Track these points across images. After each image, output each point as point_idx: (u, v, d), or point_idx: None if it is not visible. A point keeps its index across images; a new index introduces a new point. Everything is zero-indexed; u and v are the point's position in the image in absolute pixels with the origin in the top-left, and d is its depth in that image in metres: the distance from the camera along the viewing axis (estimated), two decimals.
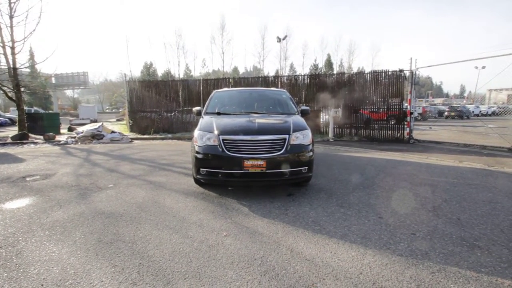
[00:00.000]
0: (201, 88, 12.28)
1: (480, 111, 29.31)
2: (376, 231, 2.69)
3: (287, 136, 3.61)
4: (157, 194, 3.92)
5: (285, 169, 3.53)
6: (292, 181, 3.73)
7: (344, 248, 2.37)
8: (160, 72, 54.56)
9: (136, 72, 54.65)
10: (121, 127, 15.71)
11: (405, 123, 10.06)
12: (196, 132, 3.90)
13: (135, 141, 10.64)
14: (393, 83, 10.22)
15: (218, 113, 4.57)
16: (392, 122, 10.38)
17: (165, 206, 3.45)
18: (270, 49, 55.79)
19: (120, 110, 46.84)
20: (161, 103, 12.65)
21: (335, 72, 42.58)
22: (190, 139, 10.95)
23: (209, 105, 4.86)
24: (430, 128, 15.41)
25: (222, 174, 3.56)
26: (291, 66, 47.75)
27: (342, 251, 2.31)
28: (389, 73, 10.21)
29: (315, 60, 48.74)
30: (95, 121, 26.48)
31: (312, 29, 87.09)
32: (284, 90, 5.53)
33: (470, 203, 3.44)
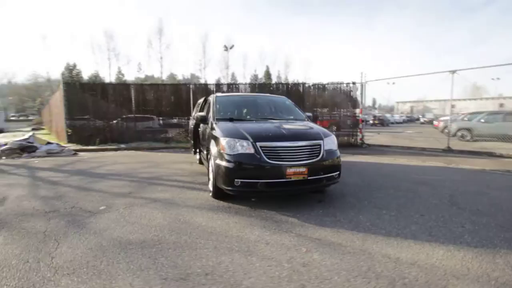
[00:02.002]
0: (162, 93, 11.25)
1: (395, 120, 34.91)
2: (433, 227, 2.85)
3: (321, 142, 3.58)
4: (177, 213, 3.35)
5: (323, 175, 3.48)
6: (325, 187, 3.69)
7: (428, 247, 2.43)
8: (86, 75, 47.88)
9: (55, 74, 46.52)
10: (50, 138, 13.06)
11: (358, 129, 11.22)
12: (224, 140, 3.50)
13: (81, 153, 8.98)
14: (347, 94, 11.32)
15: (231, 119, 4.22)
16: (347, 129, 11.45)
17: (201, 225, 2.96)
18: (210, 57, 55.06)
19: (31, 118, 39.23)
20: (109, 110, 11.05)
21: (273, 82, 44.71)
22: (152, 149, 9.90)
23: (216, 111, 4.46)
24: (379, 133, 17.34)
25: (261, 184, 3.28)
26: (233, 75, 48.35)
27: (429, 250, 2.36)
28: (344, 84, 11.28)
29: (255, 71, 50.69)
30: (1, 131, 21.44)
31: (252, 41, 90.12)
32: (285, 97, 5.51)
33: (472, 195, 3.99)
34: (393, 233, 2.73)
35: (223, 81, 42.14)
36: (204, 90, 11.48)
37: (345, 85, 11.22)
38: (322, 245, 2.49)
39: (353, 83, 11.13)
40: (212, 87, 11.76)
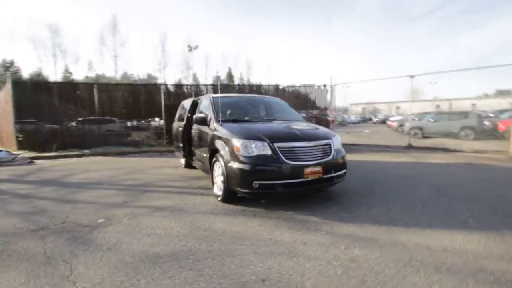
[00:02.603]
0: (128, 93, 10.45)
1: (352, 120, 37.48)
2: (439, 216, 3.13)
3: (331, 141, 3.70)
4: (193, 221, 3.16)
5: (334, 173, 3.60)
6: (335, 184, 3.81)
7: (446, 234, 2.66)
8: (26, 73, 42.10)
9: None
10: None
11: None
12: (238, 141, 3.41)
13: (38, 161, 7.90)
14: (319, 96, 11.87)
15: (235, 120, 4.13)
16: None
17: (227, 231, 2.84)
18: (170, 57, 52.68)
19: None
20: (66, 112, 9.94)
21: (236, 83, 44.77)
22: (122, 154, 9.11)
23: (217, 112, 4.30)
24: (348, 133, 18.25)
25: (280, 186, 3.27)
26: (194, 76, 46.95)
27: (449, 236, 2.59)
28: (315, 87, 11.79)
29: (217, 72, 50.01)
30: None
31: (214, 42, 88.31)
32: (277, 98, 5.55)
33: (453, 186, 4.48)
34: (411, 224, 2.94)
35: (184, 82, 40.82)
36: (178, 91, 11.01)
37: (316, 87, 11.74)
38: (356, 241, 2.57)
39: (324, 85, 11.70)
40: (188, 89, 11.32)
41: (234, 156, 3.39)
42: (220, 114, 4.21)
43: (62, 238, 2.79)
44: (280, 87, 11.69)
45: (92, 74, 44.90)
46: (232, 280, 1.99)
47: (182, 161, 6.53)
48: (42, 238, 2.79)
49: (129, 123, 11.20)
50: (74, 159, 8.37)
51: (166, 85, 11.08)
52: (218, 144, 3.77)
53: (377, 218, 3.12)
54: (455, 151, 8.97)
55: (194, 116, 4.34)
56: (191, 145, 5.39)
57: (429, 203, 3.61)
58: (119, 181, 5.27)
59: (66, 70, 44.12)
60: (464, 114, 14.48)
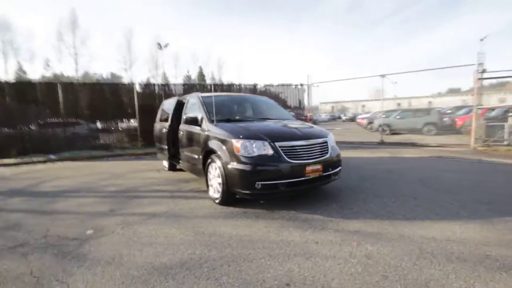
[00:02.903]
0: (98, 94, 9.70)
1: (322, 118, 38.68)
2: (433, 208, 3.30)
3: (327, 139, 3.74)
4: (194, 226, 3.00)
5: (331, 170, 3.64)
6: (331, 182, 3.86)
7: (445, 224, 2.81)
8: None
9: None
10: None
11: None
12: (237, 141, 3.30)
13: None
14: (295, 95, 12.06)
15: (229, 120, 4.01)
16: None
17: (234, 235, 2.73)
18: (138, 55, 49.66)
19: None
20: (25, 114, 8.98)
21: (208, 83, 43.99)
22: (94, 159, 8.44)
23: (211, 112, 4.14)
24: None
25: (283, 185, 3.22)
26: (164, 75, 44.98)
27: (448, 227, 2.74)
28: (293, 86, 11.96)
29: (188, 72, 48.52)
30: None
31: (184, 41, 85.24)
32: (265, 97, 5.50)
33: (434, 178, 4.77)
34: (410, 217, 3.07)
35: (153, 81, 39.18)
36: (153, 91, 10.50)
37: (293, 86, 11.91)
38: (365, 236, 2.62)
39: (301, 84, 11.91)
40: (158, 88, 10.81)
41: (233, 156, 3.28)
42: (213, 114, 4.06)
43: (48, 254, 2.49)
44: (258, 86, 11.67)
45: (49, 74, 41.23)
46: (255, 286, 1.91)
47: (166, 163, 6.23)
48: (24, 256, 2.46)
49: (98, 125, 10.44)
50: (40, 166, 7.59)
51: (140, 84, 10.48)
52: (214, 144, 3.62)
53: (377, 213, 3.22)
54: (422, 145, 9.63)
55: (184, 116, 4.14)
56: (177, 146, 5.15)
57: (420, 196, 3.81)
58: (100, 188, 4.87)
59: (20, 69, 40.08)
60: (427, 111, 15.66)
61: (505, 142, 8.68)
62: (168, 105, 5.89)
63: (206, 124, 3.96)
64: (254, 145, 3.25)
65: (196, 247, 2.51)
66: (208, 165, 3.81)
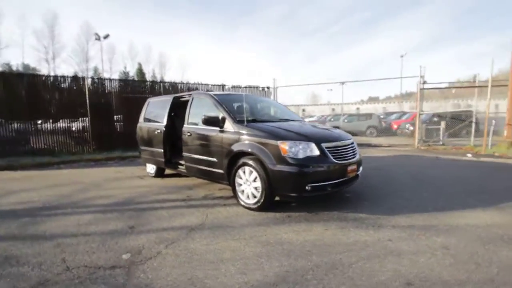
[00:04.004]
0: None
1: None
2: (448, 199, 3.72)
3: (353, 140, 3.88)
4: (252, 236, 2.73)
5: (360, 170, 3.79)
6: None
7: (467, 213, 3.20)
8: None
9: None
10: None
11: None
12: (283, 143, 3.15)
13: None
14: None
15: (254, 120, 3.79)
16: None
17: (305, 241, 2.58)
18: (64, 45, 42.09)
19: None
20: None
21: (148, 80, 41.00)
22: (39, 167, 6.84)
23: (233, 112, 3.84)
24: None
25: (330, 186, 3.21)
26: (96, 70, 39.52)
27: (470, 215, 3.14)
28: (260, 88, 12.07)
29: (125, 68, 43.64)
30: None
31: (120, 33, 75.90)
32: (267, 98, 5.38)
33: (422, 174, 5.41)
34: (439, 208, 3.37)
35: (81, 75, 34.30)
36: (100, 85, 9.20)
37: (261, 89, 12.02)
38: (422, 229, 2.78)
39: (268, 87, 12.10)
40: (111, 84, 9.54)
41: (280, 159, 3.12)
42: (239, 114, 3.81)
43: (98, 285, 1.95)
44: (226, 87, 11.39)
45: None
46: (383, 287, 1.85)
47: (151, 169, 5.54)
48: None
49: (34, 126, 8.56)
50: None
51: (93, 78, 9.09)
52: (249, 146, 3.38)
53: (409, 207, 3.45)
54: (376, 146, 10.86)
55: (203, 117, 3.74)
56: (177, 149, 4.64)
57: (427, 190, 4.24)
58: (86, 201, 4.02)
59: None
60: (369, 116, 17.72)
61: (440, 142, 10.47)
62: (159, 103, 5.26)
63: (231, 125, 3.67)
64: (301, 147, 3.16)
65: (279, 259, 2.29)
66: (237, 168, 3.54)
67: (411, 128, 14.32)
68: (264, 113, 4.44)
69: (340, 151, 3.38)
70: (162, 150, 4.80)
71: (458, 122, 11.94)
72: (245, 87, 11.81)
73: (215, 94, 4.24)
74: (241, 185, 3.55)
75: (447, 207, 3.46)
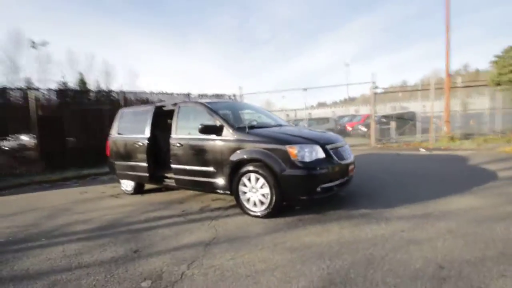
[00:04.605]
0: None
1: None
2: (431, 189, 4.13)
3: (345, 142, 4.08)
4: (276, 245, 2.66)
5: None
6: None
7: (464, 200, 3.59)
8: None
9: None
10: None
11: None
12: (292, 147, 3.15)
13: None
14: None
15: (252, 127, 3.74)
16: None
17: (329, 242, 2.61)
18: None
19: None
20: None
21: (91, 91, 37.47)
22: None
23: (229, 119, 3.74)
24: None
25: (336, 186, 3.31)
26: (28, 80, 34.18)
27: (472, 201, 3.53)
28: (227, 96, 12.00)
29: (63, 77, 38.50)
30: None
31: (56, 41, 65.42)
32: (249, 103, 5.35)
33: (397, 168, 5.92)
34: (431, 197, 3.67)
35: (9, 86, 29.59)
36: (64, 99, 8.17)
37: (227, 97, 11.95)
38: (425, 218, 3.02)
39: (234, 95, 12.10)
40: (62, 95, 8.52)
41: (290, 163, 3.12)
42: (231, 121, 3.72)
43: None
44: (192, 95, 11.03)
45: None
46: (418, 276, 1.95)
47: (127, 187, 5.05)
48: None
49: None
50: None
51: (39, 89, 7.99)
52: (254, 153, 3.30)
53: (403, 199, 3.69)
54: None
55: (201, 125, 3.54)
56: (164, 161, 4.31)
57: (407, 183, 4.62)
58: (60, 229, 3.45)
59: None
60: (326, 120, 18.92)
61: (393, 140, 11.67)
62: (136, 114, 4.84)
63: (231, 132, 3.56)
64: (309, 150, 3.20)
65: (315, 263, 2.26)
66: (240, 176, 3.43)
67: (364, 129, 15.73)
68: (257, 119, 4.41)
69: (340, 152, 3.53)
70: (146, 164, 4.40)
71: (403, 121, 13.51)
72: (212, 95, 11.61)
73: (207, 103, 4.08)
74: (245, 193, 3.44)
75: (432, 195, 3.83)
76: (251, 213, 3.39)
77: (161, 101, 8.64)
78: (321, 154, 3.27)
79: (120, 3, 64.81)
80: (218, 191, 3.75)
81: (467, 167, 5.79)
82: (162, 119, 4.80)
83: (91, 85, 42.81)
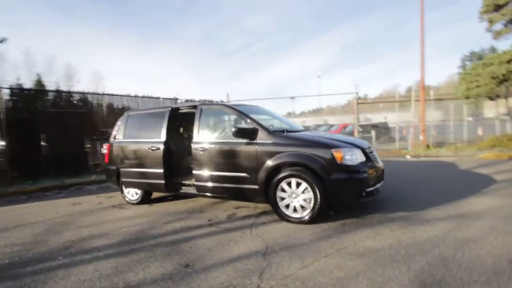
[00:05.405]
0: None
1: None
2: (443, 193, 4.35)
3: None
4: (339, 250, 2.55)
5: None
6: None
7: (483, 200, 3.81)
8: None
9: None
10: None
11: None
12: (338, 150, 3.10)
13: None
14: None
15: (286, 131, 3.63)
16: None
17: (390, 246, 2.57)
18: None
19: None
20: None
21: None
22: None
23: (261, 122, 3.60)
24: None
25: (376, 190, 3.32)
26: None
27: (491, 202, 3.76)
28: (215, 102, 11.74)
29: (19, 79, 34.54)
30: None
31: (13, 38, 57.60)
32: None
33: (398, 174, 6.17)
34: (450, 200, 3.84)
35: None
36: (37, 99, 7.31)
37: (215, 103, 11.69)
38: (463, 218, 3.14)
39: (222, 101, 11.88)
40: (36, 96, 7.66)
41: (336, 167, 3.06)
42: (264, 125, 3.59)
43: None
44: (179, 100, 10.60)
45: None
46: (489, 266, 1.99)
47: (133, 196, 4.60)
48: None
49: None
50: None
51: (12, 88, 7.08)
52: (297, 157, 3.19)
53: (427, 202, 3.80)
54: None
55: (234, 129, 3.35)
56: (174, 169, 4.02)
57: (418, 187, 4.83)
58: (78, 245, 2.98)
59: None
60: (307, 129, 19.41)
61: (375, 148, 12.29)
62: (148, 117, 4.46)
63: (266, 136, 3.42)
64: (353, 153, 3.18)
65: (393, 266, 2.20)
66: (278, 182, 3.29)
67: None
68: (281, 123, 4.32)
69: (374, 155, 3.58)
70: (162, 170, 4.04)
71: (377, 130, 14.35)
72: (199, 100, 11.26)
73: (234, 105, 3.91)
74: (283, 199, 3.31)
75: (451, 198, 4.02)
76: (292, 219, 3.26)
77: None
78: (362, 158, 3.27)
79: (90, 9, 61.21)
80: (249, 199, 3.57)
81: (462, 172, 6.24)
82: (176, 123, 4.51)
83: (51, 88, 39.61)
